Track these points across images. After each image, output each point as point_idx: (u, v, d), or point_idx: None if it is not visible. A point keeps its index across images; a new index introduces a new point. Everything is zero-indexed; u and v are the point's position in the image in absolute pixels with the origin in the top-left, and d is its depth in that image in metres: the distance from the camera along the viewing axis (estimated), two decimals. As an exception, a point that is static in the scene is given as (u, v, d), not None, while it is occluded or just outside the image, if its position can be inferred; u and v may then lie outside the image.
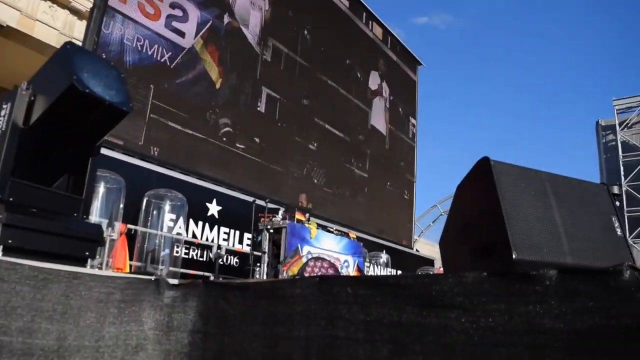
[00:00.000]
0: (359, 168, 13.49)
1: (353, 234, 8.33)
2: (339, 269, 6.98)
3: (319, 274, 6.48)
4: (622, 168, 16.37)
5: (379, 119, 14.81)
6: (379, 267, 10.55)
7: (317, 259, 6.21)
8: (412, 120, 16.77)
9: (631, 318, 1.79)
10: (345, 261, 7.41)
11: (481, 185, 2.46)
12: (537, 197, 2.48)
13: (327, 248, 7.22)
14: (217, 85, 9.64)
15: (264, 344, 2.57)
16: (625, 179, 16.22)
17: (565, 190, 2.63)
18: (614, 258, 2.43)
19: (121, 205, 6.32)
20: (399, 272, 11.73)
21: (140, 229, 6.76)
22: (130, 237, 6.60)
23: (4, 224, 2.51)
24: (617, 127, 16.76)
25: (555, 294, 1.96)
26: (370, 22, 15.00)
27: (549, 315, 1.94)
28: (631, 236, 15.93)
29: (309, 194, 11.60)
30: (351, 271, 7.56)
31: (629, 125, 16.90)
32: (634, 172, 16.33)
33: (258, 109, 10.58)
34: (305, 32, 12.38)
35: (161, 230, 6.89)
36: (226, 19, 9.95)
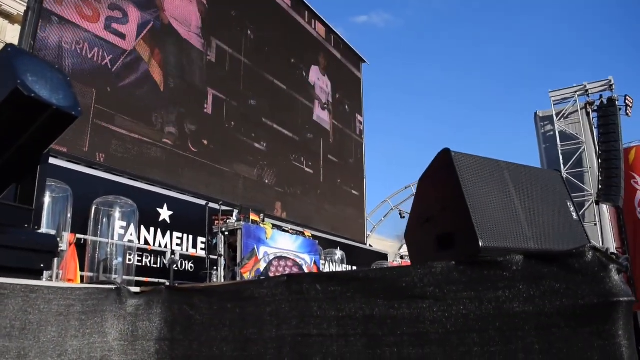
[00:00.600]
0: (308, 166, 13.50)
1: (308, 233, 8.34)
2: (303, 268, 6.97)
3: (284, 273, 6.45)
4: (561, 157, 17.13)
5: (325, 117, 14.87)
6: (335, 263, 10.60)
7: (280, 258, 6.18)
8: (359, 117, 16.93)
9: (597, 297, 1.89)
10: (303, 259, 7.40)
11: (443, 177, 2.49)
12: (498, 186, 2.54)
13: (284, 247, 7.18)
14: (162, 88, 9.41)
15: (234, 347, 2.53)
16: (564, 167, 16.98)
17: (523, 178, 2.70)
18: (572, 241, 2.53)
19: (69, 215, 6.08)
20: (354, 267, 11.84)
21: (90, 238, 6.53)
22: (80, 247, 6.37)
23: (-50, 239, 2.36)
24: (555, 117, 17.51)
25: (523, 278, 2.03)
26: (313, 20, 15.02)
27: (518, 299, 2.02)
28: (572, 221, 16.62)
29: (262, 194, 11.52)
30: (308, 269, 7.57)
31: (565, 115, 17.69)
32: (573, 160, 17.12)
33: (205, 110, 10.41)
34: (249, 31, 12.26)
35: (112, 238, 6.67)
36: (167, 21, 9.73)
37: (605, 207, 16.78)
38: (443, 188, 2.53)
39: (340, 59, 16.37)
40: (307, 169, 13.42)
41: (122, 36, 8.71)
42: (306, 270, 7.09)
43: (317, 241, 8.51)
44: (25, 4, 9.21)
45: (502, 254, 2.12)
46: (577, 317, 1.90)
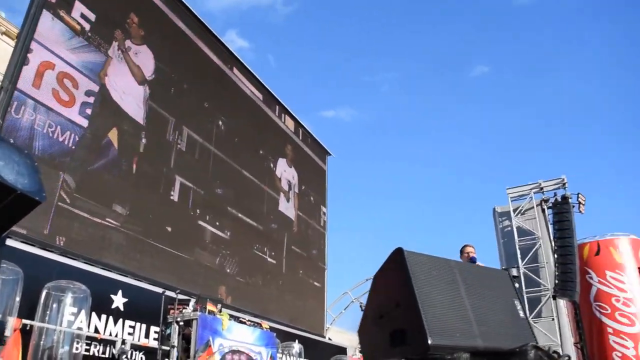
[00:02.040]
0: (271, 256, 13.47)
1: (266, 324, 8.19)
2: (255, 362, 6.79)
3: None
4: (518, 252, 17.57)
5: (290, 208, 15.07)
6: (292, 357, 10.33)
7: (234, 352, 6.03)
8: (323, 209, 17.20)
9: None
10: (259, 353, 7.21)
11: (396, 274, 2.62)
12: (448, 285, 2.68)
13: (240, 339, 7.01)
14: (129, 173, 9.51)
15: None
16: (522, 261, 17.37)
17: (472, 277, 2.85)
18: (519, 339, 2.64)
19: (17, 298, 5.89)
20: (312, 362, 11.53)
21: (37, 324, 6.29)
22: (26, 332, 6.12)
23: None
24: (512, 213, 18.17)
25: None
26: (282, 114, 15.64)
27: None
28: (531, 316, 16.84)
29: (222, 283, 11.37)
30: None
31: (522, 211, 18.38)
32: (530, 255, 17.58)
33: (171, 197, 10.47)
34: (220, 122, 12.66)
35: (60, 324, 6.43)
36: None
37: (562, 302, 17.03)
38: (396, 285, 2.63)
39: (307, 151, 16.89)
40: (269, 259, 13.39)
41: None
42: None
43: (275, 333, 8.35)
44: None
45: (450, 352, 2.22)
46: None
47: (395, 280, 2.67)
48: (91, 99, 8.94)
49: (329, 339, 15.78)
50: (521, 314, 2.96)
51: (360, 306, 20.32)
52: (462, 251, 7.68)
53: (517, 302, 3.01)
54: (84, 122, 8.66)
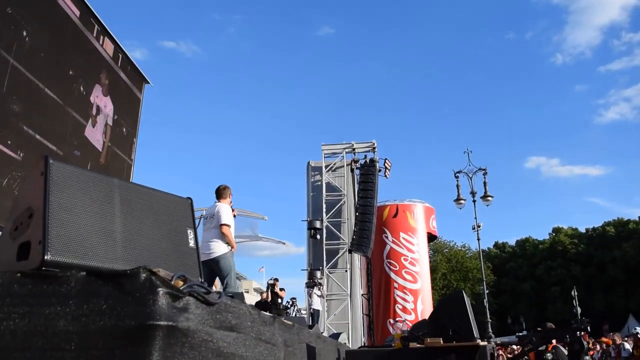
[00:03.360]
0: (70, 184, 12.83)
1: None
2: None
3: None
4: (324, 205, 18.63)
5: (98, 137, 14.37)
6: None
7: None
8: (134, 140, 16.64)
9: (135, 319, 1.92)
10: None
11: (37, 185, 2.38)
12: (100, 202, 2.48)
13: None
14: None
15: None
16: (326, 215, 18.52)
17: (138, 199, 2.66)
18: (176, 266, 2.56)
19: None
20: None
21: None
22: None
23: None
24: (324, 169, 19.16)
25: (78, 295, 1.99)
26: (101, 36, 14.60)
27: (66, 317, 1.97)
28: (328, 266, 18.12)
29: (5, 205, 10.62)
30: None
31: (333, 168, 19.47)
32: (334, 210, 18.78)
33: (-50, 106, 9.42)
34: (25, 33, 11.50)
35: None
36: None
37: (357, 256, 18.66)
38: (34, 196, 2.37)
39: (124, 79, 15.97)
40: (67, 187, 12.72)
41: None
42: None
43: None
44: None
45: (67, 269, 2.06)
46: (116, 338, 1.91)
47: (34, 191, 2.38)
48: None
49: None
50: (191, 243, 2.85)
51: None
52: (228, 192, 7.02)
53: (190, 232, 2.88)
54: None
